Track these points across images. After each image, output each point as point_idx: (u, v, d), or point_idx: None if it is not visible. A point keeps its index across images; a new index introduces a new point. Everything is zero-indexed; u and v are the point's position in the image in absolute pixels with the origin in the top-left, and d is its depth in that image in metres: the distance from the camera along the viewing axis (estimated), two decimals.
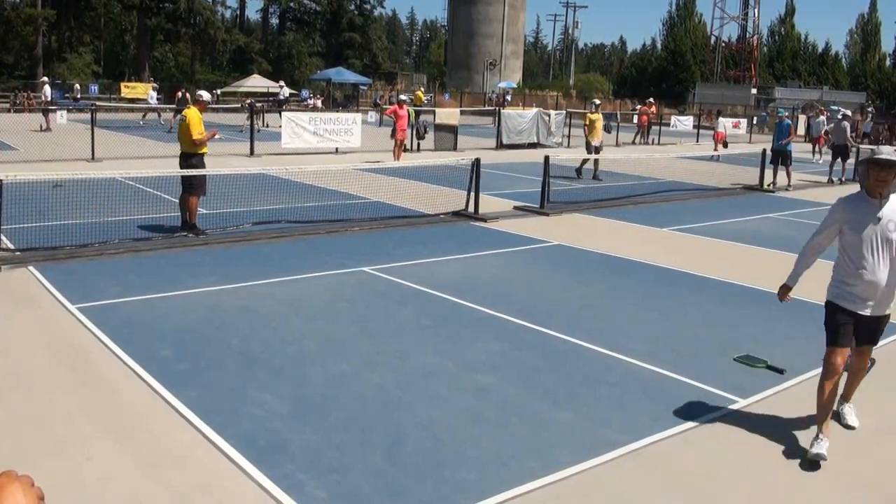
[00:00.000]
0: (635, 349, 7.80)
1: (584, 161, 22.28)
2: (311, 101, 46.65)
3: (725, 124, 34.79)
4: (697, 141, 38.83)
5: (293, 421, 5.94)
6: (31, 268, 10.09)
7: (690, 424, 6.11)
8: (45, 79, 42.19)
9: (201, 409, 6.05)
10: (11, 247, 10.90)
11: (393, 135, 22.98)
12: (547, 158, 16.22)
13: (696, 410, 6.38)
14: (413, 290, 9.72)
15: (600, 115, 22.96)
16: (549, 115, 32.51)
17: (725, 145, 31.32)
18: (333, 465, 5.28)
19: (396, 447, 5.57)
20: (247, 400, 6.28)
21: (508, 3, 77.38)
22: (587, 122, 22.68)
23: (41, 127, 29.88)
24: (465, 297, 9.39)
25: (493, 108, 45.06)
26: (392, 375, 6.94)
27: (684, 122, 43.90)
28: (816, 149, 31.41)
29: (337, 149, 25.21)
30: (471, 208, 14.84)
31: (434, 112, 33.05)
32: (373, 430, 5.82)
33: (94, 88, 52.91)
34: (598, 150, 22.18)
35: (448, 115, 31.29)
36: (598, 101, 25.13)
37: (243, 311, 8.65)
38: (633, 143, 36.19)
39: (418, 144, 28.10)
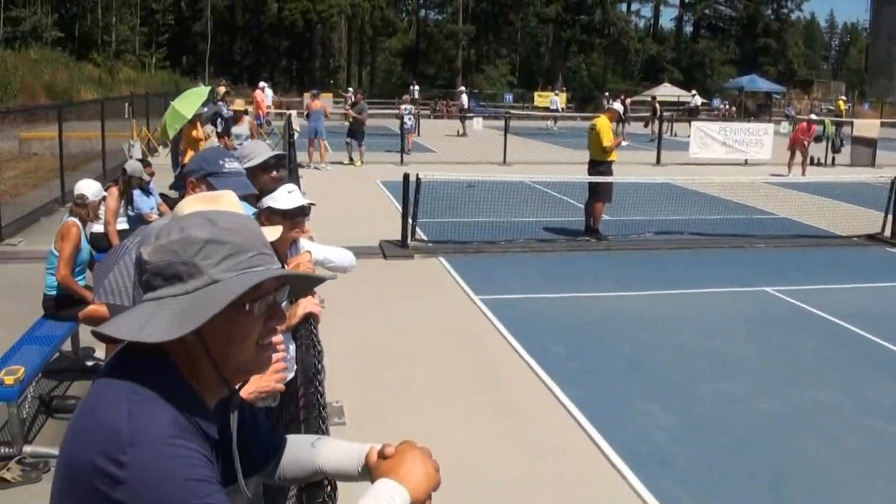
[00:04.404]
0: None
1: None
2: (724, 109, 45.48)
3: None
4: None
5: (677, 436, 5.88)
6: (441, 258, 11.04)
7: None
8: (463, 88, 45.51)
9: (587, 407, 6.24)
10: (425, 238, 11.99)
11: (791, 146, 21.80)
12: None
13: None
14: (816, 316, 9.10)
15: None
16: None
17: None
18: (713, 488, 5.16)
19: (781, 481, 5.31)
20: (631, 407, 6.34)
21: None
22: None
23: (458, 132, 32.33)
24: (874, 332, 8.54)
25: None
26: (784, 405, 6.58)
27: None
28: None
29: (746, 160, 24.29)
30: (887, 232, 13.51)
31: (852, 123, 30.58)
32: (759, 460, 5.57)
33: (509, 97, 56.13)
34: None
35: (867, 126, 28.73)
36: None
37: (638, 319, 8.71)
38: None
39: (833, 158, 26.16)
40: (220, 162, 3.38)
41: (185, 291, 1.38)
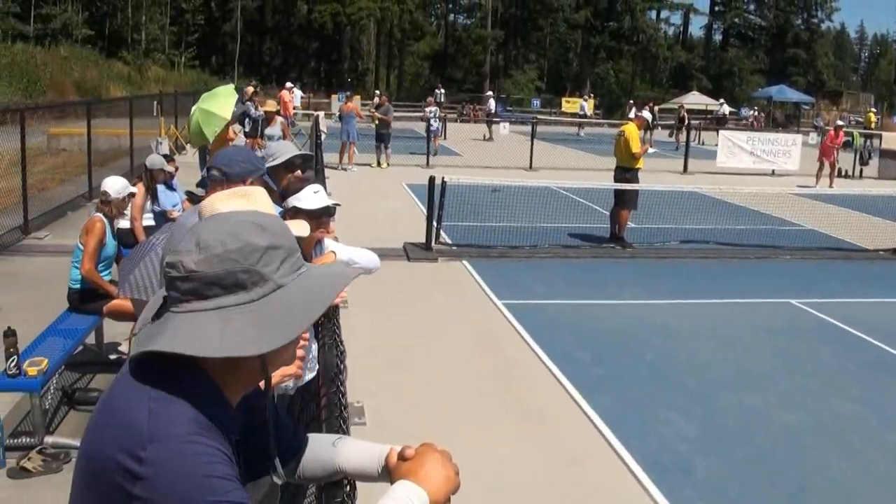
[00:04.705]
0: None
1: None
2: (751, 119, 45.18)
3: None
4: None
5: (700, 446, 5.83)
6: (464, 262, 11.03)
7: None
8: (491, 93, 45.51)
9: (609, 414, 6.20)
10: (449, 241, 11.99)
11: (820, 158, 21.65)
12: None
13: None
14: (840, 329, 8.99)
15: None
16: None
17: None
18: (734, 499, 5.11)
19: (802, 493, 5.26)
20: (655, 417, 6.29)
21: None
22: None
23: (484, 136, 32.32)
24: None
25: None
26: (806, 417, 6.51)
27: None
28: None
29: (773, 171, 24.12)
30: None
31: (880, 136, 30.26)
32: (780, 471, 5.52)
33: (537, 103, 56.08)
34: None
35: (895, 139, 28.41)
36: None
37: (662, 327, 8.66)
38: None
39: (861, 171, 25.89)
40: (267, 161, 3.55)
41: (249, 300, 1.36)
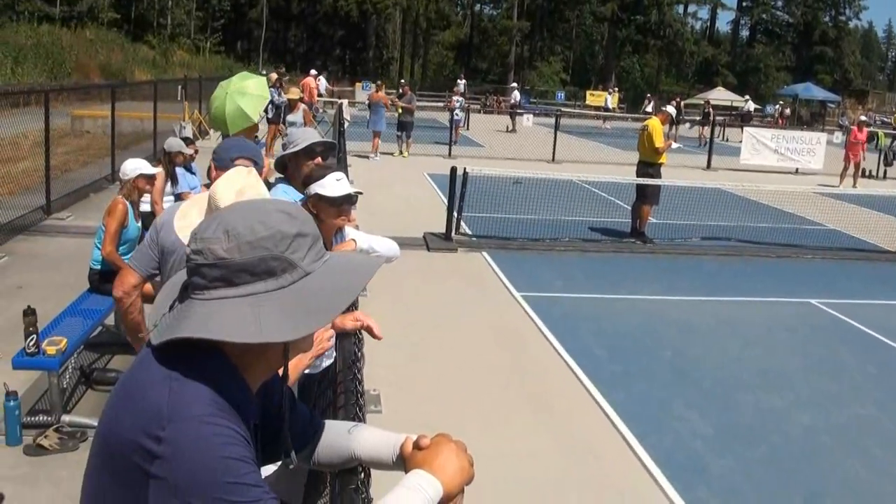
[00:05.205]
0: None
1: None
2: (777, 116, 44.77)
3: None
4: None
5: (715, 445, 5.80)
6: (484, 253, 11.02)
7: None
8: (515, 84, 45.32)
9: (625, 413, 6.17)
10: (469, 233, 11.98)
11: (846, 157, 21.42)
12: None
13: None
14: (861, 331, 8.92)
15: None
16: None
17: None
18: (749, 499, 5.08)
19: (818, 496, 5.22)
20: (671, 414, 6.27)
21: None
22: None
23: (507, 128, 32.22)
24: None
25: None
26: (823, 418, 6.47)
27: None
28: None
29: (797, 169, 23.92)
30: None
31: None
32: (795, 472, 5.49)
33: (561, 95, 55.86)
34: None
35: None
36: None
37: (680, 324, 8.62)
38: None
39: (884, 171, 25.60)
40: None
41: (279, 286, 1.37)
